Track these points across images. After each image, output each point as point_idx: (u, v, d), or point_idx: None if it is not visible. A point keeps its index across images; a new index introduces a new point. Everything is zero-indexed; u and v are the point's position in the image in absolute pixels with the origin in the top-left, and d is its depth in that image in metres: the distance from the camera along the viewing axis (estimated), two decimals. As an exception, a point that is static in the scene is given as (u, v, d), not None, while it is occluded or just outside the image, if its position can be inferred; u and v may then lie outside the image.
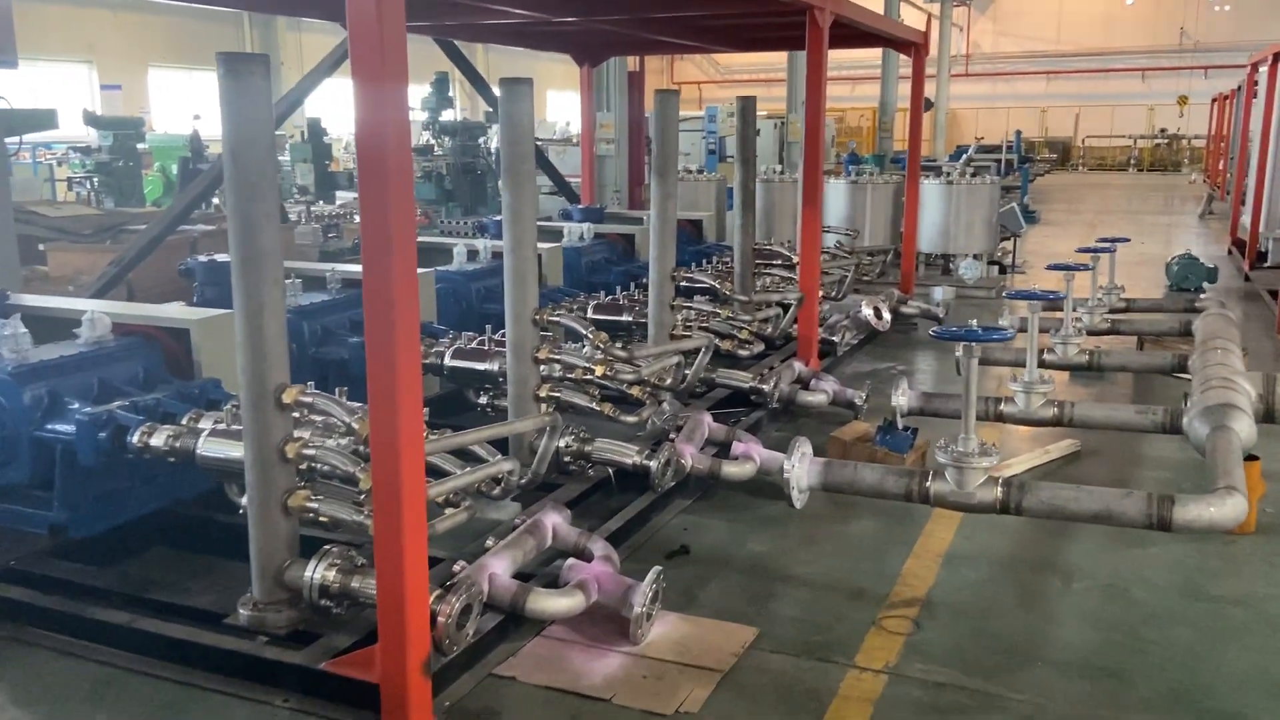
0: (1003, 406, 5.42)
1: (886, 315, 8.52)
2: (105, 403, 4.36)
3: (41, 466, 4.37)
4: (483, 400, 5.84)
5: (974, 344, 3.99)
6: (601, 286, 8.90)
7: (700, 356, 5.79)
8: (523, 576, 4.08)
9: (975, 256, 11.90)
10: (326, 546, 3.72)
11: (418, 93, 18.20)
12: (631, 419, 5.19)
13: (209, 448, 4.21)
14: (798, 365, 7.11)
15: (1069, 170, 39.37)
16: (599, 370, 5.10)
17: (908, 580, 4.48)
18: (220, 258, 6.79)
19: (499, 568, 3.85)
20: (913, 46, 10.03)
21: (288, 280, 6.30)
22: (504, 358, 5.59)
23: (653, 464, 4.93)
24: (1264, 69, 12.85)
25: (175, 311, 5.47)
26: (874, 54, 31.04)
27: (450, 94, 16.53)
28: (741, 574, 4.59)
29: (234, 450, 3.91)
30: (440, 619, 3.41)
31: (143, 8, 24.84)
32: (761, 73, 40.72)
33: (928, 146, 33.53)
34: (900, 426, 5.67)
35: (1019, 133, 31.92)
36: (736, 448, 5.47)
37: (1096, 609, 4.19)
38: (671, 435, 5.57)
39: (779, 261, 9.32)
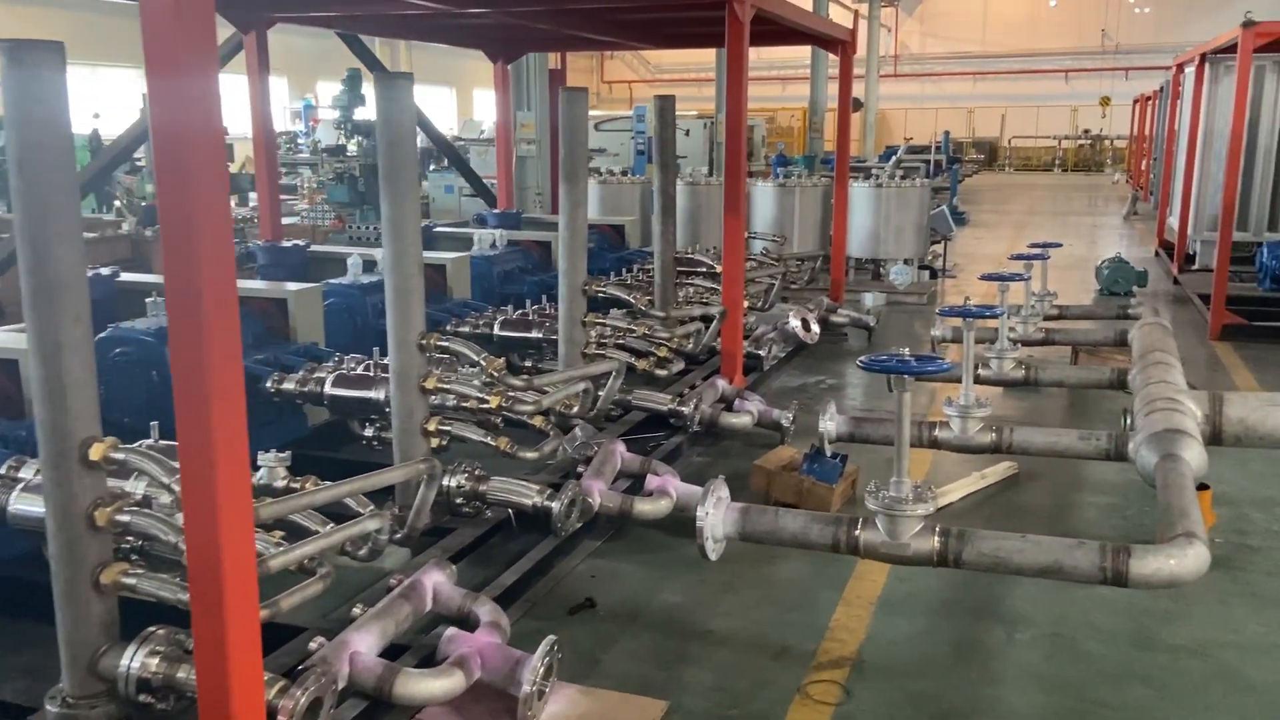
0: (937, 432, 5.01)
1: (815, 327, 8.11)
2: None
3: None
4: (368, 432, 5.25)
5: (906, 377, 3.53)
6: (514, 298, 8.35)
7: (611, 381, 5.28)
8: (396, 649, 3.52)
9: (906, 261, 11.60)
10: (150, 629, 3.12)
11: (331, 89, 17.37)
12: (530, 454, 4.65)
13: (21, 505, 3.59)
14: (721, 384, 6.64)
15: (996, 170, 39.80)
16: (494, 401, 4.55)
17: (837, 634, 4.01)
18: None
19: (364, 644, 3.28)
20: (840, 45, 9.65)
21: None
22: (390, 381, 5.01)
23: (555, 506, 4.39)
24: (1189, 70, 12.79)
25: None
26: (804, 53, 30.93)
27: (363, 91, 15.74)
28: (653, 631, 4.08)
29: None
30: (281, 718, 2.84)
31: (50, 1, 23.52)
32: (693, 71, 40.42)
33: (857, 147, 33.51)
34: (829, 454, 5.22)
35: (947, 133, 32.10)
36: (651, 481, 4.98)
37: (1043, 665, 3.77)
38: (580, 469, 5.05)
39: (703, 270, 8.88)
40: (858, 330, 9.41)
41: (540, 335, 6.60)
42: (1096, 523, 5.10)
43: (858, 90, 31.85)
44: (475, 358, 4.56)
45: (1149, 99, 27.59)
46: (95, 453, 2.98)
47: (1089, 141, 41.06)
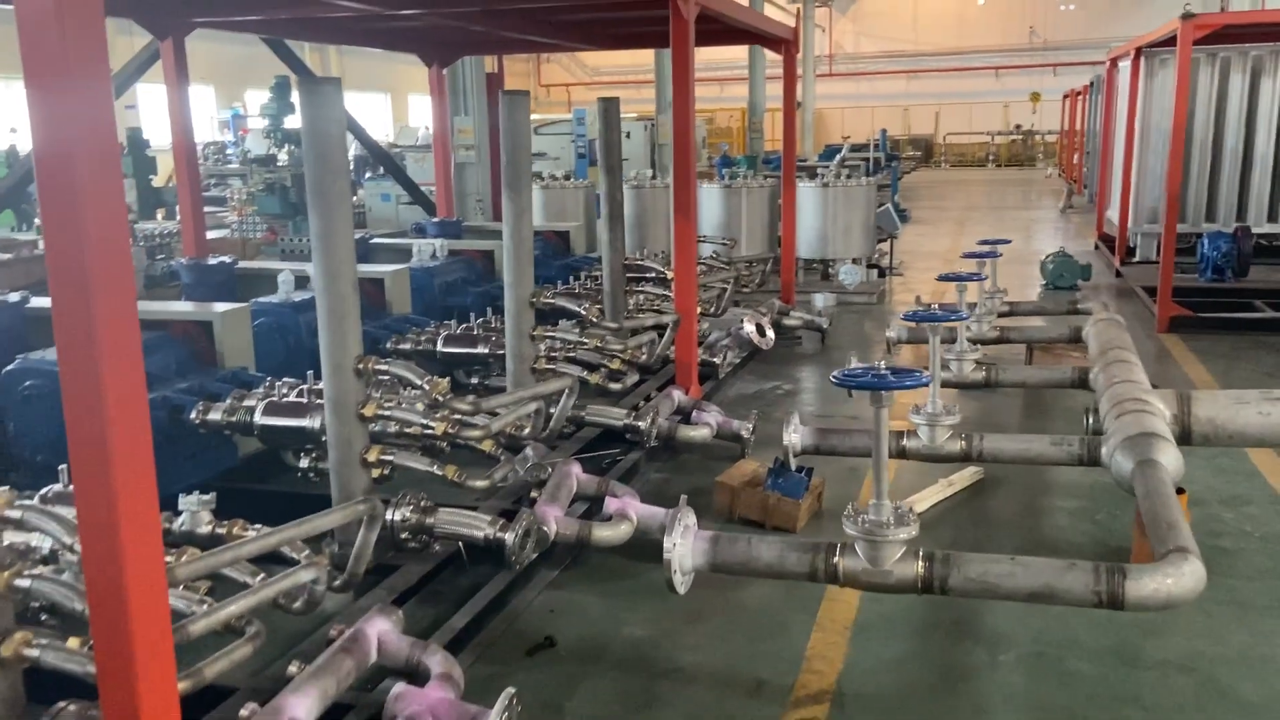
0: (905, 442, 4.83)
1: (770, 333, 7.91)
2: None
3: None
4: (303, 464, 4.91)
5: (884, 393, 3.32)
6: (458, 311, 8.02)
7: (564, 399, 5.01)
8: (339, 708, 3.20)
9: (854, 261, 11.49)
10: (60, 705, 2.77)
11: (260, 98, 16.80)
12: (480, 484, 4.35)
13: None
14: (677, 394, 6.40)
15: (932, 167, 40.27)
16: (439, 428, 4.24)
17: (814, 664, 3.79)
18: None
19: (302, 708, 2.96)
20: (784, 44, 9.49)
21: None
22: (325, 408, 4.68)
23: (508, 537, 4.10)
24: (1124, 64, 12.91)
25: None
26: (741, 54, 30.95)
27: (292, 99, 15.23)
28: (618, 670, 3.81)
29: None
30: (209, 804, 2.52)
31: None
32: (631, 74, 40.28)
33: (799, 146, 33.70)
34: (794, 467, 5.01)
35: (884, 131, 32.32)
36: (610, 504, 4.71)
37: (1029, 688, 3.59)
38: (534, 493, 4.77)
39: (652, 275, 8.64)
40: (811, 333, 9.25)
41: (486, 351, 6.30)
42: (1068, 529, 4.96)
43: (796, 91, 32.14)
44: (418, 381, 4.26)
45: (1079, 94, 28.10)
46: (-11, 509, 2.63)
47: (1021, 137, 41.78)
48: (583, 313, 6.07)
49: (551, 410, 5.05)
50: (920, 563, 3.21)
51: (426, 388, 4.26)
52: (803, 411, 7.14)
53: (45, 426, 4.90)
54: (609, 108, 7.14)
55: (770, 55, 31.02)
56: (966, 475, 5.47)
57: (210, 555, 2.73)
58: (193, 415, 4.85)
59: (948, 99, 43.15)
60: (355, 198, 17.52)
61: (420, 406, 4.61)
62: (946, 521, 5.12)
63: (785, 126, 10.03)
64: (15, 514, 2.64)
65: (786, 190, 10.16)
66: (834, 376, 3.47)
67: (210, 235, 14.21)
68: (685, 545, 3.47)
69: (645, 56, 35.18)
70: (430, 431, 4.25)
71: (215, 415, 4.86)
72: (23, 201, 13.75)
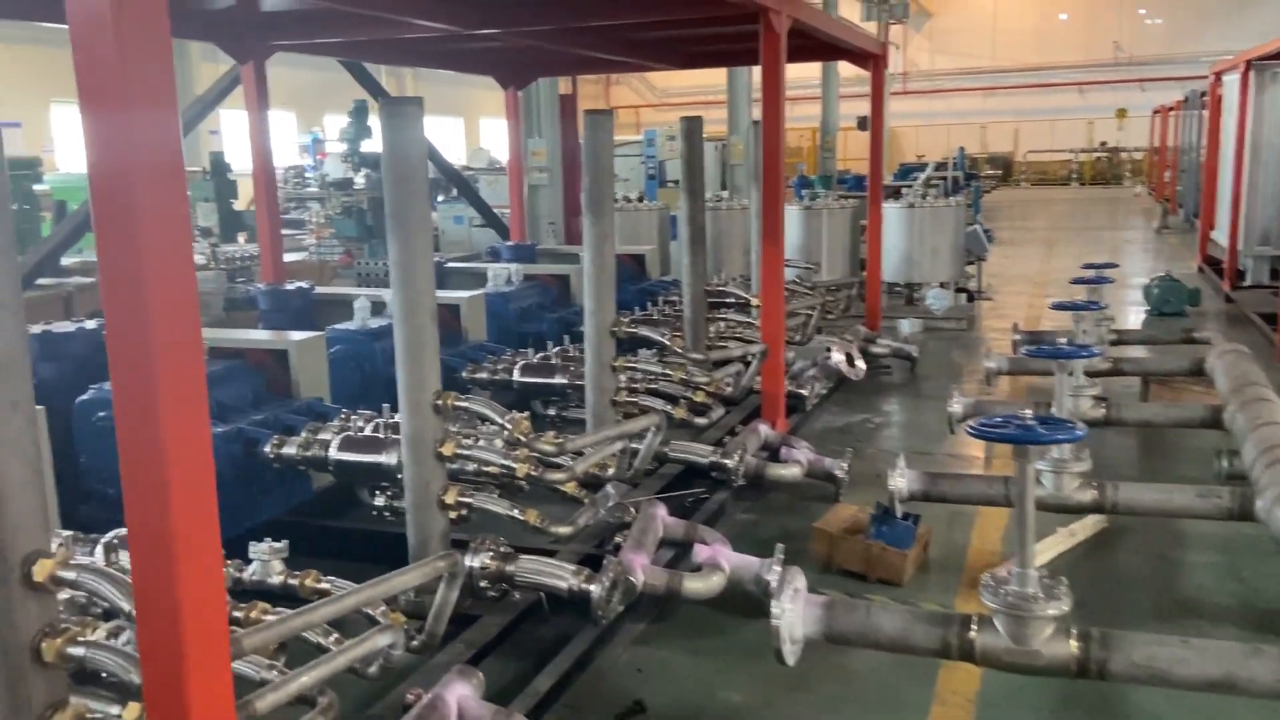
0: (1027, 489, 4.38)
1: (860, 363, 7.51)
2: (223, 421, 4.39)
3: None
4: (379, 501, 4.67)
5: (1032, 447, 2.93)
6: (533, 338, 7.78)
7: (650, 438, 4.70)
8: (415, 785, 2.92)
9: (942, 285, 11.00)
10: (115, 781, 2.53)
11: (338, 122, 16.97)
12: (564, 530, 4.05)
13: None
14: (764, 429, 6.04)
15: (1011, 186, 39.23)
16: (521, 470, 3.96)
17: (934, 743, 3.40)
18: (60, 327, 5.53)
19: (376, 788, 2.69)
20: (872, 59, 9.11)
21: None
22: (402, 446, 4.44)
23: (595, 590, 3.79)
24: (1231, 78, 12.21)
25: None
26: (812, 72, 30.51)
27: (369, 123, 15.31)
28: (715, 742, 3.47)
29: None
30: None
31: (42, 40, 23.21)
32: (700, 95, 40.11)
33: (868, 166, 33.08)
34: (899, 514, 4.62)
35: (962, 149, 31.58)
36: (700, 552, 4.37)
37: (1190, 782, 3.15)
38: (618, 538, 4.46)
39: (730, 301, 8.29)
40: (899, 361, 8.80)
41: (565, 381, 6.02)
42: (1211, 589, 4.47)
43: (869, 109, 31.56)
44: (499, 419, 3.99)
45: (1170, 109, 27.03)
46: (40, 572, 2.41)
47: (1106, 154, 40.48)
48: (667, 343, 5.76)
49: (636, 446, 4.74)
50: (1074, 642, 2.81)
51: (509, 427, 3.98)
52: (896, 447, 6.73)
53: (117, 459, 4.74)
54: (691, 128, 6.85)
55: (844, 73, 30.57)
56: (1089, 524, 5.00)
57: (280, 623, 2.48)
58: (267, 449, 4.66)
59: (1028, 116, 42.08)
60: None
61: (499, 443, 4.36)
62: (1071, 578, 4.64)
63: (873, 145, 9.63)
64: (69, 574, 2.41)
65: (872, 211, 9.74)
66: (970, 428, 3.08)
67: (288, 258, 14.33)
68: (795, 611, 3.11)
69: (715, 77, 34.96)
70: (511, 473, 3.97)
71: (290, 449, 4.67)
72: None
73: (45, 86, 24.59)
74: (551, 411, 6.26)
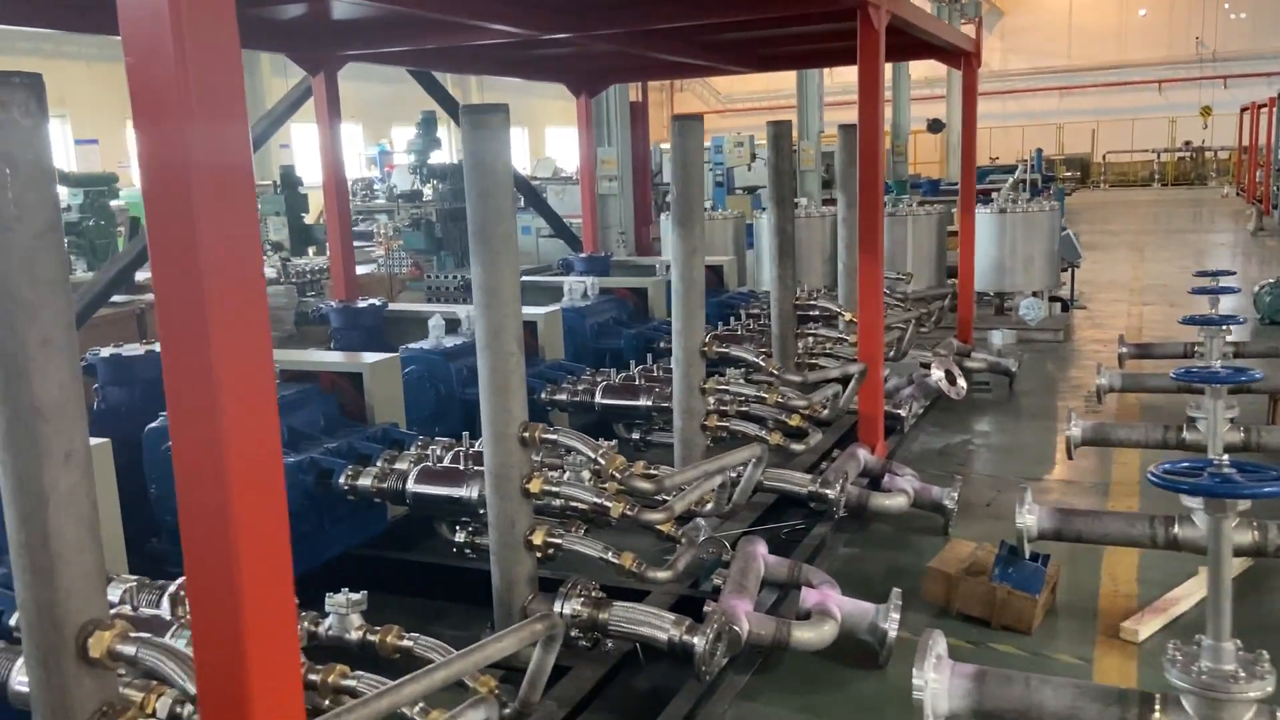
0: (1178, 530, 3.92)
1: (962, 382, 7.03)
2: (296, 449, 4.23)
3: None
4: (459, 537, 4.38)
5: (1231, 501, 2.50)
6: (611, 355, 7.46)
7: (750, 470, 4.32)
8: None
9: (1035, 294, 10.42)
10: None
11: (406, 134, 16.91)
12: (662, 575, 3.70)
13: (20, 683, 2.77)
14: (862, 454, 5.63)
15: (1090, 188, 37.93)
16: (615, 510, 3.62)
17: (1094, 831, 2.96)
18: (129, 350, 5.36)
19: None
20: (964, 56, 8.63)
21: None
22: (484, 480, 4.14)
23: (698, 643, 3.43)
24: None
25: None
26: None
27: (437, 134, 15.21)
28: (839, 822, 3.08)
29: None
30: None
31: (118, 57, 23.70)
32: (765, 100, 39.64)
33: (939, 169, 32.21)
34: (1027, 554, 4.17)
35: (1039, 151, 30.60)
36: (808, 596, 3.99)
37: None
38: (716, 579, 4.09)
39: (815, 314, 7.86)
40: (996, 376, 8.28)
41: (650, 404, 5.67)
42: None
43: (939, 111, 30.69)
44: (591, 454, 3.66)
45: (1261, 107, 25.80)
46: (96, 646, 2.13)
47: (1190, 154, 38.93)
48: (762, 364, 5.37)
49: (735, 474, 4.37)
50: (1285, 733, 2.37)
51: (602, 462, 3.65)
52: (1003, 473, 6.26)
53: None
54: (780, 132, 6.47)
55: (915, 74, 29.76)
56: (1237, 563, 4.49)
57: (363, 704, 2.17)
58: (342, 480, 4.39)
59: (1106, 115, 40.69)
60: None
61: (585, 474, 4.03)
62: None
63: (964, 148, 9.14)
64: (128, 649, 2.13)
65: (964, 218, 9.23)
66: (1152, 475, 2.64)
67: (356, 271, 14.29)
68: (941, 682, 2.71)
69: (781, 81, 34.45)
70: (604, 512, 3.64)
71: (365, 481, 4.40)
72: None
73: (121, 103, 25.10)
74: (635, 435, 5.93)
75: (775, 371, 5.37)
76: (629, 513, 3.66)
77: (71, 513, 2.11)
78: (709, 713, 3.66)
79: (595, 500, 3.68)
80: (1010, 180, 12.93)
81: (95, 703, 2.18)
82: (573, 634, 3.62)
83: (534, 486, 3.69)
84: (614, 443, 3.94)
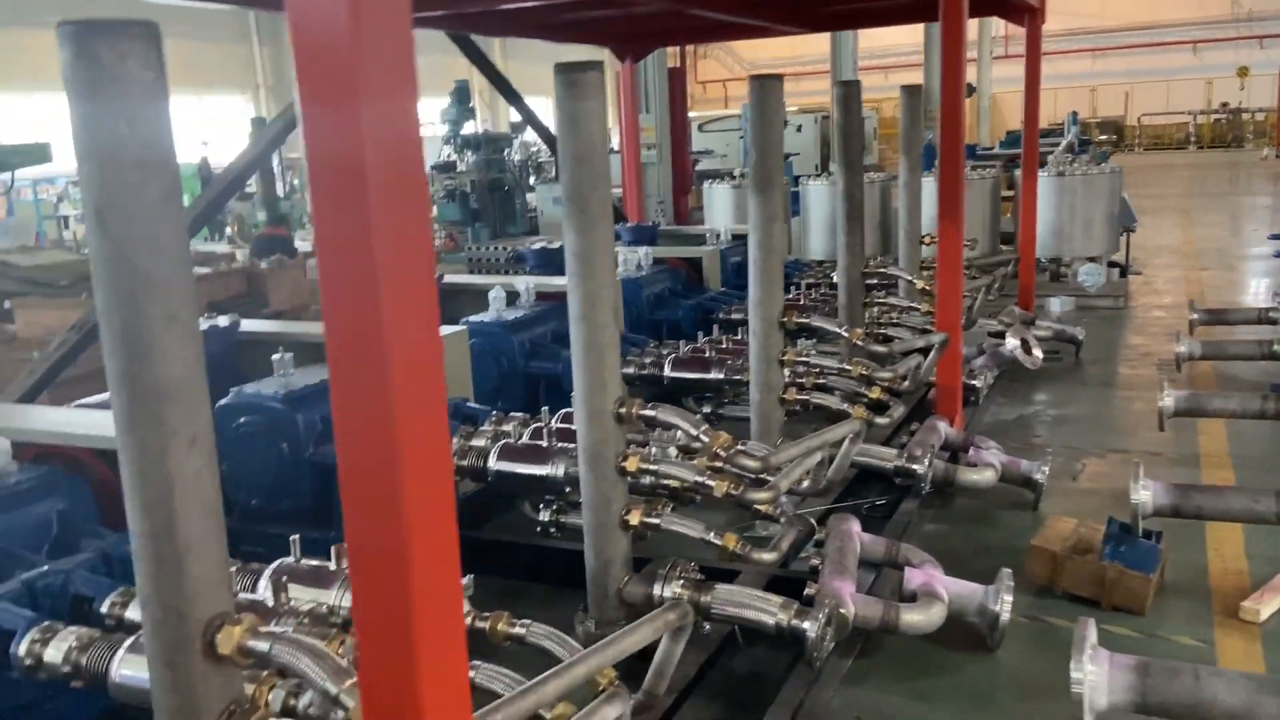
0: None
1: (1037, 351, 6.80)
2: None
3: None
4: (544, 516, 4.23)
5: None
6: (668, 327, 7.29)
7: (846, 446, 4.15)
8: None
9: (1092, 259, 10.13)
10: None
11: (436, 105, 16.70)
12: (768, 557, 3.54)
13: (127, 672, 2.65)
14: (942, 427, 5.43)
15: (1124, 151, 37.22)
16: (719, 490, 3.46)
17: (1248, 827, 2.79)
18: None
19: None
20: (1028, 12, 8.32)
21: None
22: (570, 458, 4.00)
23: (810, 629, 3.28)
24: None
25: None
26: (912, 39, 29.27)
27: (471, 104, 15.00)
28: (971, 815, 2.93)
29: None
30: None
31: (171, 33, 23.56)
32: (790, 66, 38.95)
33: (969, 134, 31.64)
34: (1140, 531, 3.98)
35: (1074, 114, 29.95)
36: (912, 577, 3.82)
37: None
38: (813, 559, 3.92)
39: (875, 282, 7.63)
40: (1063, 344, 8.04)
41: (721, 376, 5.50)
42: None
43: (970, 74, 30.04)
44: (693, 431, 3.49)
45: (1306, 65, 25.14)
46: (225, 642, 1.99)
47: (1226, 116, 38.09)
48: (846, 334, 5.18)
49: (833, 452, 4.20)
50: None
51: (705, 440, 3.48)
52: (1085, 445, 6.05)
53: (261, 468, 4.41)
54: (848, 93, 6.23)
55: (1018, 25, 29.12)
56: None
57: (508, 703, 2.02)
58: (418, 459, 4.24)
59: (1140, 78, 39.83)
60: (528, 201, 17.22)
61: (672, 451, 3.87)
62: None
63: (1028, 109, 8.85)
64: (260, 645, 1.99)
65: (1027, 181, 8.95)
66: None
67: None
68: (1100, 674, 2.54)
69: (806, 47, 33.82)
70: (708, 492, 3.47)
71: (442, 458, 4.24)
72: (217, 214, 13.98)
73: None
74: (706, 409, 5.75)
75: (859, 343, 5.17)
76: (733, 492, 3.49)
77: (197, 500, 1.97)
78: (817, 698, 3.50)
79: (697, 479, 3.52)
80: (1063, 143, 12.58)
81: (223, 701, 2.05)
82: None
83: (630, 465, 3.53)
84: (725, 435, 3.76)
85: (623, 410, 3.51)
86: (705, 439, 3.52)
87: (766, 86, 4.79)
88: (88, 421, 3.80)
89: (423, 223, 1.64)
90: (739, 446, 3.60)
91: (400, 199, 1.57)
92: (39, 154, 12.29)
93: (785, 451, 3.73)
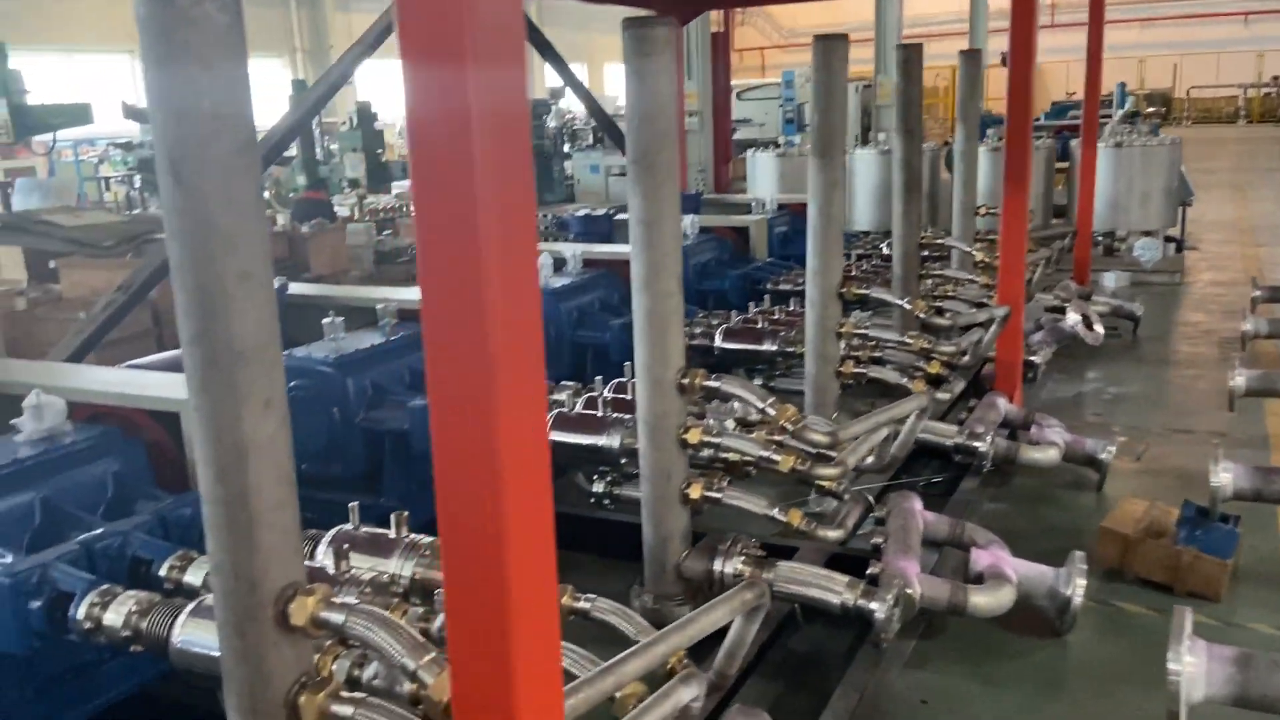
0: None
1: (1099, 327, 6.61)
2: (421, 391, 4.03)
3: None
4: (598, 487, 4.15)
5: None
6: (714, 297, 7.16)
7: (911, 421, 4.02)
8: None
9: (1147, 233, 9.85)
10: None
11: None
12: (833, 534, 3.44)
13: (189, 636, 2.61)
14: (1001, 403, 5.29)
15: (1172, 124, 36.32)
16: (785, 465, 3.35)
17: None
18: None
19: None
20: (1093, -24, 8.02)
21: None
22: (626, 428, 3.91)
23: (878, 609, 3.18)
24: None
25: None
26: (954, 6, 28.58)
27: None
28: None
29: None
30: None
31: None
32: (829, 31, 38.30)
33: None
34: (1217, 515, 3.84)
35: (1122, 85, 29.22)
36: (979, 558, 3.70)
37: None
38: (874, 537, 3.82)
39: (925, 254, 7.43)
40: (1120, 320, 7.81)
41: (775, 348, 5.37)
42: None
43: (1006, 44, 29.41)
44: (759, 403, 3.38)
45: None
46: (299, 613, 1.92)
47: (1277, 89, 37.05)
48: (908, 306, 5.03)
49: (899, 429, 4.07)
50: None
51: (771, 413, 3.37)
52: (1147, 424, 5.88)
53: (310, 432, 4.35)
54: (910, 58, 6.03)
55: (995, 4, 28.48)
56: None
57: (587, 684, 1.95)
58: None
59: (1189, 49, 38.79)
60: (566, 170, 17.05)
61: (729, 424, 3.76)
62: None
63: (1089, 75, 8.60)
64: (335, 617, 1.92)
65: (1086, 152, 8.70)
66: None
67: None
68: (1199, 667, 2.42)
69: (844, 14, 33.27)
70: (774, 467, 3.37)
71: (494, 427, 4.17)
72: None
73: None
74: (757, 381, 5.63)
75: (922, 315, 5.03)
76: (800, 467, 3.38)
77: (271, 466, 1.89)
78: (880, 679, 3.41)
79: (762, 454, 3.42)
80: (1120, 113, 12.23)
81: (294, 672, 1.98)
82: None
83: (692, 437, 3.44)
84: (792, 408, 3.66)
85: (685, 381, 3.41)
86: (772, 411, 3.41)
87: (830, 47, 4.62)
88: (143, 382, 3.75)
89: (528, 193, 1.54)
90: (805, 420, 3.48)
91: (507, 168, 1.47)
92: (80, 115, 12.27)
93: (854, 426, 3.61)
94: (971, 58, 7.17)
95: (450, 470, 1.56)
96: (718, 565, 3.41)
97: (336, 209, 11.97)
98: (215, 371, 1.81)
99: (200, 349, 1.81)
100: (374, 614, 1.95)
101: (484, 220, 1.43)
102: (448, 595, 1.57)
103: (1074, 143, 10.31)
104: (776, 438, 3.69)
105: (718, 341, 5.59)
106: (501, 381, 1.49)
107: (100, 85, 21.34)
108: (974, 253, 6.50)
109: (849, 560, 3.75)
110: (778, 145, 11.82)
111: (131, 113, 15.00)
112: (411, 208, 9.31)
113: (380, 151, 13.29)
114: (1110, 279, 9.25)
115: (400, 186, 15.31)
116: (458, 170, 1.43)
